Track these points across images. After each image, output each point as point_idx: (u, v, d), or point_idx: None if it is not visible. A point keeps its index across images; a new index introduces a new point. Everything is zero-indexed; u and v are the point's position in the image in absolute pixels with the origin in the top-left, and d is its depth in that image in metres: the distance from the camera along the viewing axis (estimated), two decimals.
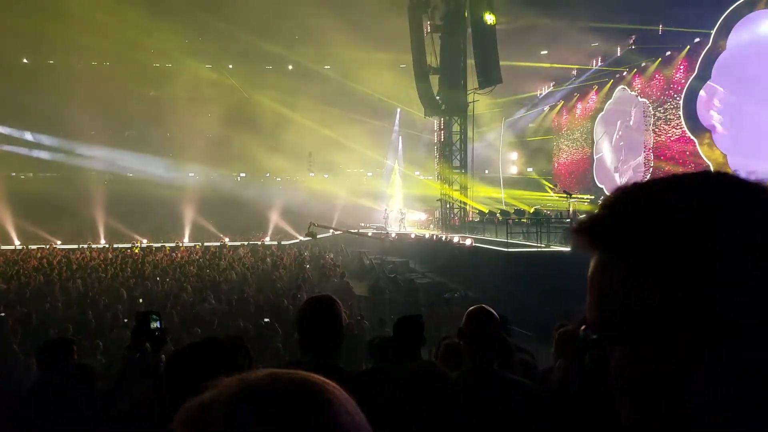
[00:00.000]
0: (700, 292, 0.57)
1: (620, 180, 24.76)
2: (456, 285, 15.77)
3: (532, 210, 22.09)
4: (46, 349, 3.87)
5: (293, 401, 0.59)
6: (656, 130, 22.25)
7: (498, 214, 20.85)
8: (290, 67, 35.43)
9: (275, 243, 28.50)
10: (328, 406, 0.61)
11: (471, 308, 2.75)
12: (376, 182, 38.79)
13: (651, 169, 22.50)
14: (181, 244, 27.76)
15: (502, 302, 10.24)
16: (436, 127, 26.45)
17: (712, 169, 15.61)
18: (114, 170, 36.82)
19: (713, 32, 18.60)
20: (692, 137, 19.77)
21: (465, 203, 24.34)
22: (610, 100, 25.57)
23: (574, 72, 28.13)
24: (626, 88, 24.30)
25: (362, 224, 31.56)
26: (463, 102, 22.84)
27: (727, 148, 18.45)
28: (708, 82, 19.02)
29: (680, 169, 20.42)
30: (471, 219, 24.70)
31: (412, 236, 25.14)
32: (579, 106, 28.91)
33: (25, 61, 33.45)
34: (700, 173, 0.64)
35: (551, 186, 29.71)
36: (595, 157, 26.98)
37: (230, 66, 35.49)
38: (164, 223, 32.41)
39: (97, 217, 31.31)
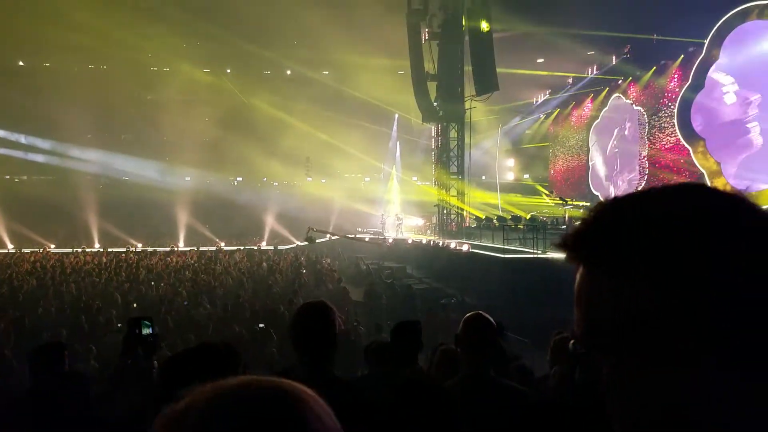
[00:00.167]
0: (694, 298, 0.58)
1: (615, 187, 24.84)
2: (453, 291, 15.75)
3: (528, 216, 22.11)
4: (38, 353, 3.84)
5: (267, 408, 0.60)
6: (651, 138, 22.35)
7: (495, 220, 20.86)
8: (288, 72, 35.48)
9: (272, 248, 28.45)
10: (301, 413, 0.61)
11: (468, 314, 2.74)
12: (373, 187, 38.81)
13: (646, 177, 22.58)
14: (176, 249, 27.66)
15: (498, 308, 10.24)
16: (433, 133, 26.52)
17: (706, 176, 15.67)
18: (109, 174, 36.75)
19: (707, 42, 18.74)
20: (686, 145, 19.87)
21: (462, 209, 24.38)
22: (605, 108, 25.68)
23: (570, 80, 28.27)
24: (621, 96, 24.41)
25: (359, 229, 31.56)
26: (460, 109, 22.93)
27: (720, 156, 18.57)
28: (701, 91, 19.20)
29: (675, 177, 20.54)
30: (468, 225, 24.72)
31: (410, 241, 25.14)
32: (575, 113, 29.02)
33: (20, 63, 33.39)
34: (683, 185, 0.65)
35: (547, 193, 29.78)
36: (590, 165, 27.06)
37: (228, 70, 35.52)
38: (159, 227, 32.32)
39: (92, 221, 31.21)
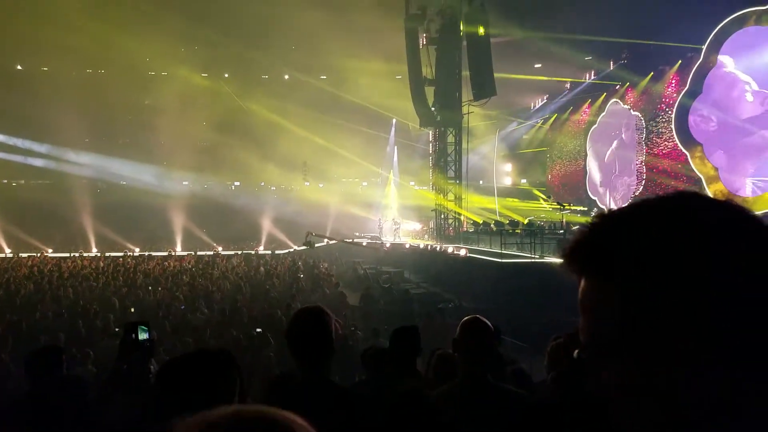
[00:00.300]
0: (693, 299, 0.60)
1: (612, 193, 24.87)
2: (450, 295, 15.75)
3: (526, 221, 22.13)
4: (36, 357, 3.82)
5: None
6: (648, 143, 22.40)
7: (492, 225, 20.88)
8: (286, 76, 35.53)
9: (269, 252, 28.42)
10: None
11: (465, 319, 2.74)
12: (371, 192, 38.80)
13: (643, 182, 22.63)
14: (173, 253, 27.61)
15: (495, 312, 10.23)
16: (431, 138, 26.56)
17: (704, 181, 15.66)
18: (107, 178, 36.68)
19: (704, 47, 18.81)
20: (684, 151, 19.92)
21: (459, 213, 24.40)
22: (603, 114, 25.74)
23: (568, 85, 28.34)
24: (619, 101, 24.48)
25: (357, 234, 31.55)
26: (457, 113, 22.99)
27: (717, 161, 18.60)
28: (699, 96, 19.24)
29: (672, 183, 20.58)
30: (465, 229, 24.74)
31: (407, 246, 25.14)
32: (572, 119, 29.08)
33: (19, 67, 33.38)
34: (677, 193, 0.67)
35: (545, 197, 29.81)
36: (587, 170, 27.11)
37: (226, 75, 35.56)
38: (157, 231, 32.26)
39: (89, 226, 31.14)
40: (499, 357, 3.03)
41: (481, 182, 32.38)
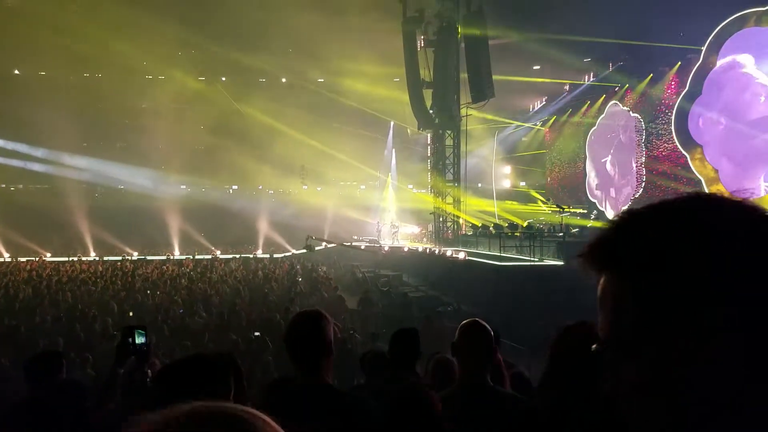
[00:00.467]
0: (708, 299, 0.62)
1: (612, 194, 24.87)
2: (449, 299, 15.73)
3: (525, 224, 22.14)
4: (36, 362, 3.80)
5: None
6: (648, 145, 22.40)
7: (491, 228, 20.87)
8: (283, 80, 35.55)
9: (267, 256, 28.41)
10: None
11: (464, 322, 2.72)
12: (369, 195, 38.80)
13: (643, 184, 22.62)
14: (171, 257, 27.59)
15: (495, 316, 10.21)
16: (429, 141, 26.57)
17: (704, 183, 15.65)
18: (105, 182, 36.66)
19: (704, 49, 18.81)
20: (684, 152, 19.91)
21: (458, 216, 24.39)
22: (602, 116, 25.75)
23: (567, 87, 28.34)
24: (618, 103, 24.50)
25: (355, 237, 31.55)
26: (456, 116, 22.98)
27: (718, 163, 18.59)
28: (698, 98, 19.23)
29: (672, 185, 20.57)
30: (464, 232, 24.73)
31: (405, 249, 25.13)
32: (571, 120, 29.10)
33: (16, 72, 33.38)
34: (695, 195, 0.70)
35: (543, 200, 29.82)
36: (587, 172, 27.12)
37: (223, 79, 35.58)
38: (155, 235, 32.24)
39: (88, 230, 31.12)
40: (499, 362, 3.00)
41: (479, 185, 32.39)
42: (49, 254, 28.65)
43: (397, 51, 23.86)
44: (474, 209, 26.29)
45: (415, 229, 30.71)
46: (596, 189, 26.31)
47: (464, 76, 22.31)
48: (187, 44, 30.51)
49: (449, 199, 24.06)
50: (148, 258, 26.62)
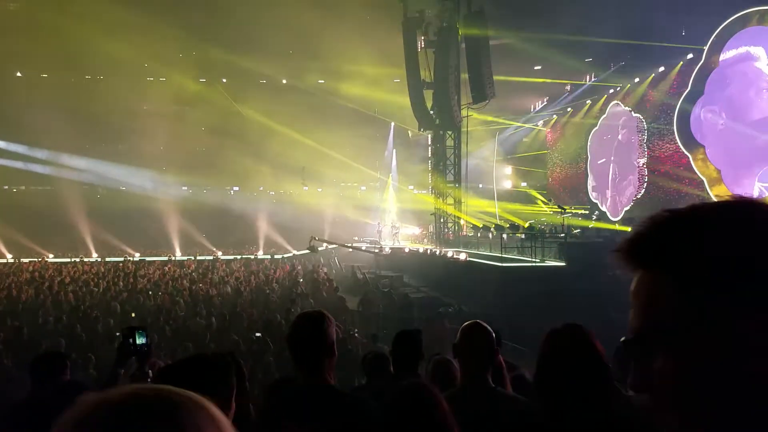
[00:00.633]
0: (739, 300, 0.65)
1: (614, 194, 24.84)
2: (450, 300, 15.72)
3: (526, 224, 22.11)
4: (40, 363, 3.80)
5: (144, 417, 0.63)
6: (650, 145, 22.38)
7: (492, 229, 20.84)
8: (284, 81, 35.55)
9: (268, 257, 28.44)
10: (179, 423, 0.64)
11: (466, 324, 2.72)
12: (369, 196, 38.81)
13: (645, 185, 22.60)
14: (173, 258, 27.62)
15: (496, 317, 10.20)
16: (430, 142, 26.56)
17: (706, 184, 15.59)
18: (106, 184, 36.71)
19: (706, 48, 18.77)
20: (686, 153, 19.88)
21: (459, 217, 24.36)
22: (603, 116, 25.74)
23: (568, 87, 28.32)
24: (620, 103, 24.48)
25: (356, 238, 31.56)
26: (456, 116, 22.95)
27: (720, 163, 18.55)
28: (700, 98, 19.19)
29: (674, 185, 20.55)
30: (465, 233, 24.71)
31: (406, 250, 25.12)
32: (572, 121, 29.10)
33: (18, 74, 33.44)
34: (734, 200, 0.74)
35: (545, 200, 29.81)
36: (588, 172, 27.10)
37: (224, 80, 35.60)
38: (157, 236, 32.31)
39: (90, 231, 31.19)
40: (500, 364, 3.00)
41: (480, 186, 32.37)
42: (51, 255, 28.71)
43: (397, 52, 23.85)
44: (475, 210, 26.27)
45: (416, 230, 30.70)
46: (597, 189, 26.29)
47: (465, 76, 22.28)
48: (188, 46, 30.53)
49: (450, 200, 24.03)
50: (150, 259, 26.66)
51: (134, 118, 33.45)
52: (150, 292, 15.73)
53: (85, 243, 30.99)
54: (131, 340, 3.09)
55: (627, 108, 23.91)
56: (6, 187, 37.33)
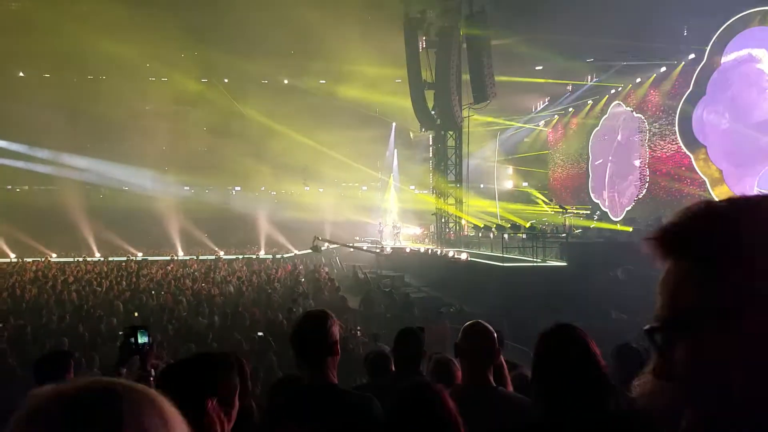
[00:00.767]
0: (755, 293, 0.66)
1: (616, 195, 24.83)
2: (451, 299, 15.73)
3: (528, 224, 22.10)
4: (44, 362, 3.83)
5: (89, 408, 0.68)
6: (651, 145, 22.36)
7: (494, 229, 20.84)
8: (285, 81, 35.57)
9: (270, 257, 28.47)
10: (119, 413, 0.68)
11: (467, 323, 2.74)
12: (371, 196, 38.83)
13: (646, 185, 22.59)
14: (175, 258, 27.67)
15: (497, 317, 10.21)
16: (431, 142, 26.56)
17: (708, 184, 15.59)
18: (109, 184, 36.78)
19: (708, 48, 18.75)
20: (688, 153, 19.87)
21: (460, 217, 24.36)
22: (605, 116, 25.72)
23: (569, 87, 28.29)
24: (621, 103, 24.47)
25: (357, 238, 31.58)
26: (458, 117, 22.95)
27: (722, 164, 18.53)
28: (702, 98, 19.17)
29: (676, 185, 20.54)
30: (466, 233, 24.70)
31: (408, 250, 25.12)
32: (574, 121, 29.09)
33: (21, 74, 33.49)
34: (757, 197, 0.75)
35: (546, 200, 29.79)
36: (590, 172, 27.08)
37: (226, 80, 35.63)
38: (159, 236, 32.39)
39: (92, 231, 31.26)
40: (501, 363, 3.02)
41: (482, 186, 32.35)
42: (54, 255, 28.80)
43: (398, 52, 23.85)
44: (476, 210, 26.27)
45: (417, 230, 30.69)
46: (599, 189, 26.28)
47: (466, 77, 22.28)
48: (190, 46, 30.54)
49: (451, 200, 24.03)
50: (153, 259, 26.71)
51: (136, 118, 33.51)
52: (153, 292, 15.76)
53: (87, 243, 31.06)
54: (133, 340, 3.11)
55: (628, 108, 23.90)
56: (9, 187, 37.40)
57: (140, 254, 29.11)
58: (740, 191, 17.21)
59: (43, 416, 0.68)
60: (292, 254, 30.42)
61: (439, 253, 21.54)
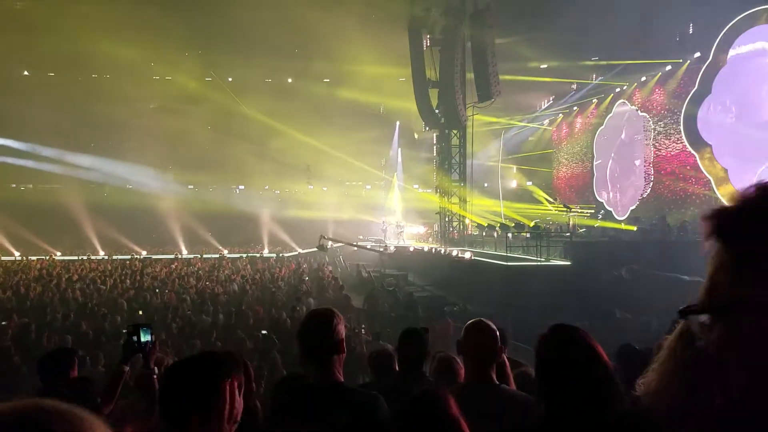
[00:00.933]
0: None
1: (620, 194, 24.77)
2: (455, 298, 15.72)
3: (532, 223, 22.07)
4: (49, 359, 3.84)
5: (18, 427, 0.69)
6: (656, 144, 22.29)
7: (497, 228, 20.82)
8: (289, 80, 35.61)
9: (274, 255, 28.52)
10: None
11: (469, 321, 2.74)
12: (374, 195, 38.85)
13: (651, 184, 22.53)
14: (179, 256, 27.75)
15: (501, 316, 10.21)
16: (435, 141, 26.53)
17: (713, 183, 15.48)
18: (113, 182, 36.89)
19: (714, 47, 18.67)
20: (693, 152, 19.79)
21: (464, 216, 24.34)
22: (609, 115, 25.66)
23: (574, 86, 28.23)
24: (626, 102, 24.40)
25: (360, 237, 31.60)
26: (462, 115, 22.92)
27: (727, 162, 18.45)
28: (708, 96, 19.08)
29: (681, 184, 20.47)
30: (470, 232, 24.68)
31: (411, 249, 25.11)
32: (578, 120, 29.02)
33: (25, 73, 33.62)
34: None
35: (550, 200, 29.74)
36: (594, 171, 27.03)
37: (230, 79, 35.69)
38: (163, 235, 32.49)
39: (97, 229, 31.37)
40: (504, 361, 3.02)
41: (486, 185, 32.32)
42: (59, 253, 28.91)
43: (403, 51, 23.84)
44: (480, 209, 26.24)
45: (421, 229, 30.68)
46: (603, 188, 26.22)
47: (470, 75, 22.25)
48: (194, 45, 30.61)
49: (455, 199, 24.01)
50: (157, 257, 26.79)
51: (141, 116, 33.60)
52: (157, 290, 15.81)
53: (91, 241, 31.18)
54: (136, 338, 3.12)
55: (633, 107, 23.83)
56: (14, 185, 37.56)
57: (144, 252, 29.19)
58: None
59: None
60: (296, 253, 30.46)
61: (442, 252, 21.52)
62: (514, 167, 34.48)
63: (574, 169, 29.71)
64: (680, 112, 20.52)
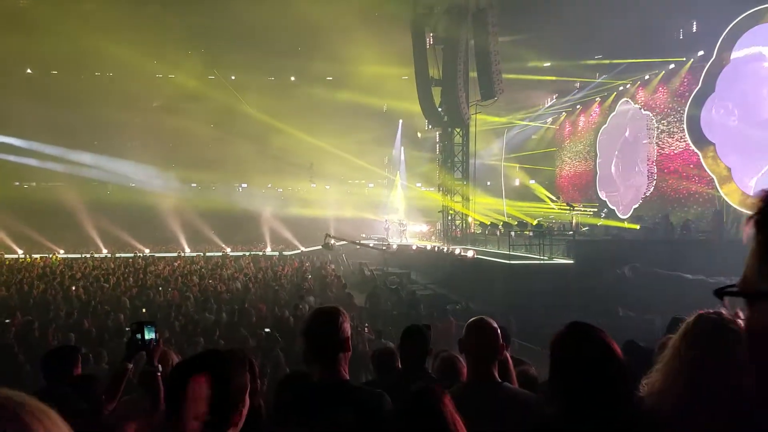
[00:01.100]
0: None
1: (623, 192, 24.72)
2: (458, 297, 15.72)
3: (534, 222, 22.05)
4: (52, 357, 3.86)
5: None
6: (660, 142, 22.24)
7: (500, 226, 20.80)
8: (292, 78, 35.62)
9: (276, 253, 28.56)
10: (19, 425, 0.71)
11: (471, 319, 2.74)
12: (377, 193, 38.84)
13: (654, 182, 22.48)
14: (182, 254, 27.80)
15: (504, 315, 10.22)
16: (438, 139, 26.53)
17: (716, 182, 15.44)
18: (116, 180, 36.96)
19: (717, 45, 18.59)
20: (696, 150, 19.74)
21: (467, 215, 24.33)
22: (613, 113, 25.61)
23: (577, 84, 28.17)
24: (629, 100, 24.34)
25: (363, 235, 31.61)
26: (465, 114, 22.91)
27: (730, 161, 18.39)
28: (711, 95, 19.02)
29: (684, 183, 20.43)
30: (473, 231, 24.67)
31: (414, 248, 25.12)
32: (582, 118, 28.97)
33: (28, 71, 33.69)
34: None
35: (553, 198, 29.70)
36: (597, 170, 26.98)
37: (232, 77, 35.72)
38: (166, 233, 32.55)
39: (100, 227, 31.45)
40: (506, 359, 3.02)
41: (488, 183, 32.28)
42: (62, 251, 28.98)
43: (406, 49, 23.84)
44: (483, 207, 26.22)
45: (424, 228, 30.68)
46: (607, 187, 26.17)
47: (473, 74, 22.24)
48: (197, 43, 30.64)
49: (458, 197, 24.00)
50: (160, 255, 26.84)
51: (143, 115, 33.65)
52: (160, 288, 15.83)
53: (94, 239, 31.25)
54: (140, 335, 3.13)
55: (636, 105, 23.78)
56: (17, 183, 37.64)
57: (147, 251, 29.25)
58: (748, 188, 17.08)
59: None
60: (299, 251, 30.49)
61: (445, 250, 21.52)
62: (517, 165, 34.40)
63: (577, 168, 29.66)
64: (683, 110, 20.46)
